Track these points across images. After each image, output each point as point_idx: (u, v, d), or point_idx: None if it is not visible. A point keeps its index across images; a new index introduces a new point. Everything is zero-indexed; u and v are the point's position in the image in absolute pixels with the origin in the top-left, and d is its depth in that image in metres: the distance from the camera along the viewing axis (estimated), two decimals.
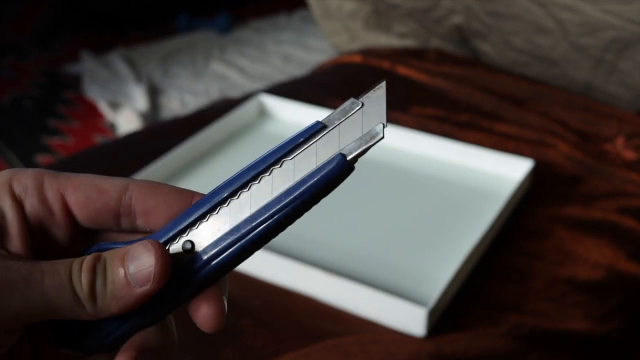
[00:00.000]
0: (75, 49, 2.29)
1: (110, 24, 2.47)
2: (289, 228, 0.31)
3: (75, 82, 2.14)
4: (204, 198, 0.31)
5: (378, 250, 0.78)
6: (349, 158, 0.30)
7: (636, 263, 0.79)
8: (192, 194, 0.32)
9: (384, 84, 0.30)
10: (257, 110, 1.06)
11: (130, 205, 0.32)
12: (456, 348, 0.67)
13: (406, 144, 0.96)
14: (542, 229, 0.84)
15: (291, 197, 0.30)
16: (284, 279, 0.74)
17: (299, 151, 0.30)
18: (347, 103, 0.30)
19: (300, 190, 0.30)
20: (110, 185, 0.32)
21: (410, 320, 0.67)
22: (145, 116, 1.89)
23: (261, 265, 0.74)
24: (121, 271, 0.30)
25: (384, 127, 0.30)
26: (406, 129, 0.98)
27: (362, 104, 0.30)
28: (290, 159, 0.30)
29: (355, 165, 0.30)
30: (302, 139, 0.30)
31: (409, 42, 1.42)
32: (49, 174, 0.32)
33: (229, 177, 0.31)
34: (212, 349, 0.67)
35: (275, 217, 0.30)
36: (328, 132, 0.30)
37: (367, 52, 1.30)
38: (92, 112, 2.00)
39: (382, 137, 0.29)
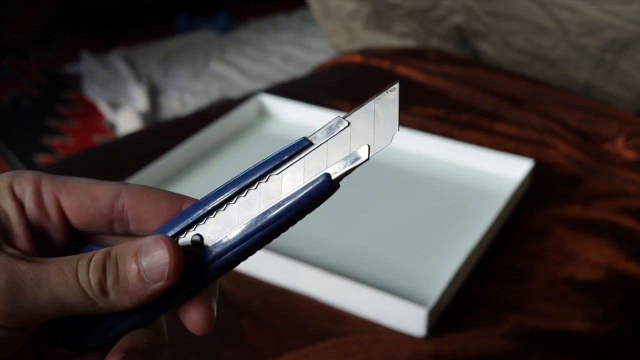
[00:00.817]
0: (75, 49, 2.29)
1: (110, 24, 2.47)
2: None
3: (75, 82, 2.14)
4: (199, 202, 0.32)
5: (378, 250, 0.78)
6: (333, 177, 0.30)
7: (636, 263, 0.79)
8: (183, 199, 0.33)
9: (397, 85, 0.31)
10: (257, 110, 1.06)
11: (122, 212, 0.32)
12: (456, 348, 0.67)
13: (406, 144, 0.96)
14: (542, 229, 0.84)
15: (275, 213, 0.31)
16: (284, 279, 0.74)
17: (285, 167, 0.31)
18: (334, 121, 0.31)
19: (285, 206, 0.30)
20: (102, 192, 0.32)
21: (410, 320, 0.67)
22: (145, 116, 1.89)
23: (261, 265, 0.74)
24: (134, 267, 0.30)
25: (369, 148, 0.30)
26: (406, 129, 0.98)
27: (349, 123, 0.31)
28: (277, 174, 0.31)
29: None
30: (287, 156, 0.31)
31: (409, 42, 1.42)
32: (46, 177, 0.32)
33: (210, 191, 0.32)
34: (212, 349, 0.67)
35: (259, 234, 0.31)
36: (313, 149, 0.31)
37: (367, 52, 1.30)
38: (92, 112, 2.00)
39: (367, 159, 0.30)
